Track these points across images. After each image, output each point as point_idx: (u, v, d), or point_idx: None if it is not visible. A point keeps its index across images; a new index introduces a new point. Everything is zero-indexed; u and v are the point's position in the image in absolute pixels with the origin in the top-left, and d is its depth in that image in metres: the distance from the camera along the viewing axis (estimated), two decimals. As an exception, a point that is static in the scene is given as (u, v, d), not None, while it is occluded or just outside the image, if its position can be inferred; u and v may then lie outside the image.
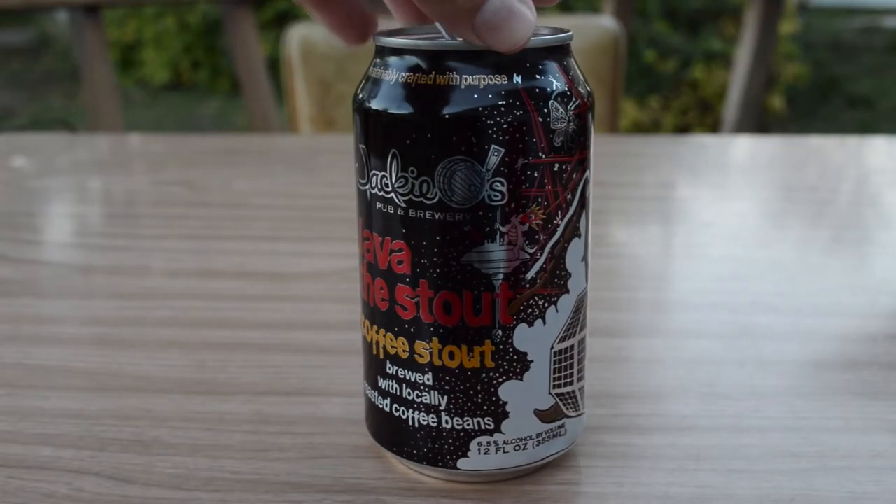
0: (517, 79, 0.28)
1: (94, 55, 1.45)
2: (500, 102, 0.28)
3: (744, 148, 0.92)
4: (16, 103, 3.98)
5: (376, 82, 0.30)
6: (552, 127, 0.29)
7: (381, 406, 0.33)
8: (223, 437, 0.36)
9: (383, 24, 0.33)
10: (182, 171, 0.79)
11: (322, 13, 0.31)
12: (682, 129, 3.26)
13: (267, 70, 1.61)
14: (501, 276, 0.29)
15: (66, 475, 0.34)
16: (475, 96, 0.28)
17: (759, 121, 1.83)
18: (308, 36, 1.17)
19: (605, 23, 1.18)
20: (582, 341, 0.33)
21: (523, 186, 0.29)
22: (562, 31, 0.31)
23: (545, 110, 0.28)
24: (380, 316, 0.31)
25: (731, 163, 0.84)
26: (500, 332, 0.30)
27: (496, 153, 0.28)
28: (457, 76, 0.28)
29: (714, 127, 3.15)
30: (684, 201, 0.72)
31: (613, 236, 0.61)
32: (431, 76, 0.28)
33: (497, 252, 0.29)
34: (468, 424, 0.31)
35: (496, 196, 0.29)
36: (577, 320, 0.32)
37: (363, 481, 0.33)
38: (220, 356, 0.43)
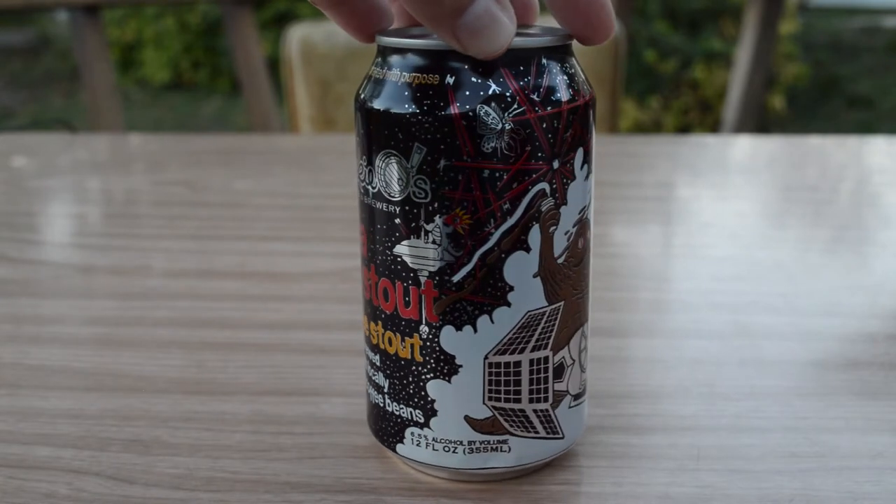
0: (449, 79, 0.28)
1: (94, 55, 1.45)
2: (425, 101, 0.28)
3: (744, 148, 0.92)
4: (16, 103, 3.98)
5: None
6: (479, 131, 0.28)
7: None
8: (223, 437, 0.36)
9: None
10: (182, 171, 0.79)
11: (336, 13, 0.31)
12: (683, 129, 3.26)
13: (267, 70, 1.61)
14: (427, 273, 0.30)
15: (66, 475, 0.34)
16: (405, 93, 0.29)
17: (759, 121, 1.83)
18: (308, 36, 1.17)
19: (605, 23, 1.18)
20: (540, 362, 0.31)
21: (446, 188, 0.29)
22: (553, 32, 0.30)
23: (470, 113, 0.28)
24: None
25: (731, 163, 0.84)
26: (426, 329, 0.30)
27: (419, 151, 0.29)
28: (397, 72, 0.29)
29: (714, 127, 3.15)
30: (684, 201, 0.72)
31: (613, 236, 0.61)
32: (383, 72, 0.30)
33: (422, 249, 0.30)
34: (403, 412, 0.32)
35: (420, 193, 0.29)
36: (525, 337, 0.30)
37: (363, 481, 0.33)
38: (220, 356, 0.43)
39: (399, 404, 0.32)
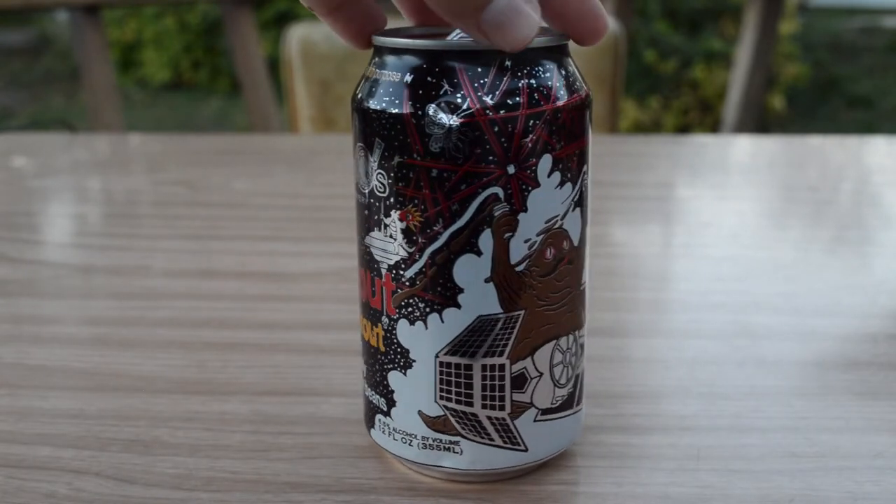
0: (408, 77, 0.29)
1: (94, 55, 1.45)
2: (384, 98, 0.29)
3: (744, 148, 0.92)
4: (16, 103, 3.98)
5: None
6: (427, 130, 0.28)
7: None
8: (223, 437, 0.36)
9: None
10: (182, 171, 0.79)
11: (332, 20, 0.31)
12: (683, 129, 3.26)
13: (267, 70, 1.61)
14: (386, 266, 0.31)
15: (66, 475, 0.34)
16: (372, 89, 0.30)
17: (759, 121, 1.83)
18: (308, 36, 1.17)
19: (605, 23, 1.18)
20: (494, 368, 0.30)
21: (399, 184, 0.29)
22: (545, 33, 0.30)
23: (419, 112, 0.28)
24: None
25: (731, 163, 0.84)
26: (386, 320, 0.31)
27: (378, 146, 0.29)
28: (377, 70, 0.30)
29: (714, 127, 3.15)
30: (684, 201, 0.72)
31: (613, 236, 0.61)
32: (369, 69, 0.31)
33: (382, 241, 0.30)
34: (373, 398, 0.33)
35: (380, 188, 0.30)
36: (476, 341, 0.30)
37: (363, 481, 0.33)
38: (220, 356, 0.43)
39: (371, 390, 0.33)
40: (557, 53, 0.30)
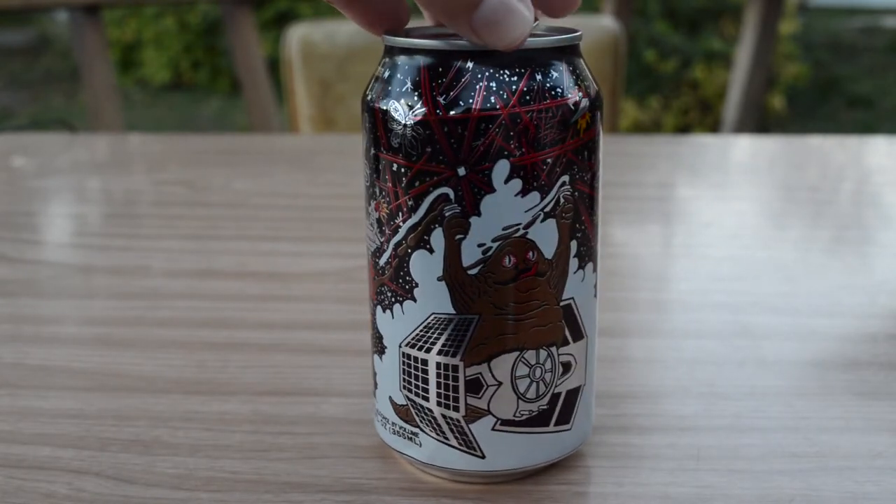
0: (386, 73, 0.30)
1: (94, 55, 1.45)
2: (369, 93, 0.31)
3: (744, 148, 0.92)
4: (16, 103, 3.98)
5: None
6: (389, 126, 0.29)
7: None
8: (223, 437, 0.36)
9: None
10: (182, 171, 0.79)
11: (352, 11, 0.31)
12: (683, 129, 3.26)
13: (267, 70, 1.61)
14: (370, 252, 0.32)
15: (66, 475, 0.34)
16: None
17: (759, 121, 1.83)
18: (308, 36, 1.17)
19: (605, 23, 1.18)
20: (448, 368, 0.30)
21: (374, 175, 0.30)
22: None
23: (384, 108, 0.29)
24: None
25: (731, 163, 0.84)
26: (371, 304, 0.33)
27: (364, 138, 0.31)
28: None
29: (714, 127, 3.15)
30: (684, 201, 0.72)
31: (613, 236, 0.61)
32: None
33: (367, 229, 0.32)
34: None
35: (366, 177, 0.31)
36: (431, 338, 0.30)
37: (363, 481, 0.33)
38: (220, 356, 0.43)
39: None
40: (542, 56, 0.29)
